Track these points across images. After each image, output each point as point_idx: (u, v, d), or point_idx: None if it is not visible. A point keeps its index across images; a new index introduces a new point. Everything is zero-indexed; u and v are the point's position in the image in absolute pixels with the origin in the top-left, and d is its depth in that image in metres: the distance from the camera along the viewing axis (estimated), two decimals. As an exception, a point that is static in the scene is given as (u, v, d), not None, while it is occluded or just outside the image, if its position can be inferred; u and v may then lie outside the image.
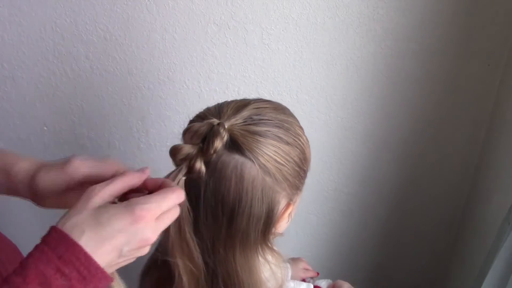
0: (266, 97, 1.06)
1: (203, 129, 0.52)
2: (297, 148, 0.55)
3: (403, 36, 1.01)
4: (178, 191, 0.47)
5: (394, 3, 0.97)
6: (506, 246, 0.85)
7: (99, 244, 0.41)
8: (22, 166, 0.52)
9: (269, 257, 0.58)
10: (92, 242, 0.41)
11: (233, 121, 0.53)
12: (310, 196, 1.23)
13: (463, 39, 1.01)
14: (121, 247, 0.42)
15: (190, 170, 0.52)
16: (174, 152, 0.52)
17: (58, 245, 0.40)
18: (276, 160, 0.53)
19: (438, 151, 1.17)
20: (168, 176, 0.52)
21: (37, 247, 0.41)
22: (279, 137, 0.54)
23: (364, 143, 1.15)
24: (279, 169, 0.53)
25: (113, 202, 0.46)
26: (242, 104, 0.56)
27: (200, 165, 0.51)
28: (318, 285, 0.83)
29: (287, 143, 0.54)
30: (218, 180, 0.52)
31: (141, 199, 0.44)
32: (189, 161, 0.52)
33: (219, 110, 0.55)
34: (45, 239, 0.41)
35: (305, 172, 0.58)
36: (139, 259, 0.62)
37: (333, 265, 1.37)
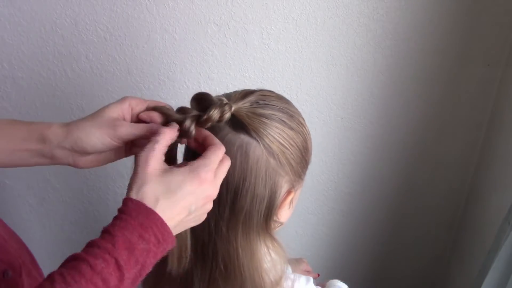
0: (266, 97, 1.07)
1: (209, 100, 0.54)
2: (300, 135, 0.57)
3: (403, 36, 1.01)
4: (222, 147, 0.51)
5: (394, 3, 0.97)
6: (506, 246, 0.85)
7: (172, 207, 0.46)
8: (55, 130, 0.53)
9: (270, 245, 0.59)
10: (166, 207, 0.46)
11: (240, 104, 0.55)
12: (310, 196, 1.24)
13: (463, 39, 1.01)
14: (189, 206, 0.48)
15: (181, 131, 0.52)
16: (176, 110, 0.55)
17: (138, 214, 0.45)
18: (280, 143, 0.54)
19: (438, 151, 1.17)
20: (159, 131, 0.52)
21: (119, 217, 0.45)
22: (283, 121, 0.55)
23: (364, 143, 1.16)
24: (283, 151, 0.55)
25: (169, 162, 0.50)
26: (248, 91, 0.58)
27: (190, 127, 0.52)
28: None
29: (291, 128, 0.55)
30: None
31: (201, 161, 0.48)
32: (182, 121, 0.53)
33: (228, 96, 0.58)
34: (124, 210, 0.45)
35: (306, 162, 0.59)
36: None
37: (333, 265, 1.37)
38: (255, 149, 0.53)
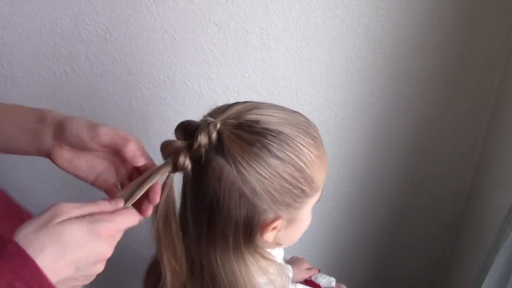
0: (266, 97, 1.07)
1: (193, 126, 0.52)
2: (290, 164, 0.52)
3: (403, 36, 1.01)
4: (135, 215, 0.50)
5: (394, 3, 0.97)
6: (506, 246, 0.85)
7: (58, 259, 0.41)
8: (54, 113, 0.54)
9: (264, 264, 0.57)
10: (51, 257, 0.41)
11: (229, 122, 0.52)
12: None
13: (463, 39, 1.01)
14: (78, 262, 0.43)
15: (175, 166, 0.51)
16: (162, 146, 0.53)
17: (13, 259, 0.39)
18: (258, 172, 0.51)
19: (438, 151, 1.17)
20: (152, 172, 0.52)
21: None
22: (268, 149, 0.51)
23: (364, 143, 1.15)
24: (261, 181, 0.51)
25: None
26: (249, 108, 0.54)
27: (184, 161, 0.51)
28: (318, 282, 0.83)
29: (277, 157, 0.51)
30: (200, 178, 0.52)
31: (105, 217, 0.45)
32: (173, 156, 0.51)
33: (224, 109, 0.55)
34: (0, 252, 0.40)
35: (303, 191, 0.55)
36: (144, 260, 0.63)
37: (333, 265, 1.37)
38: (229, 174, 0.50)
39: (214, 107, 0.58)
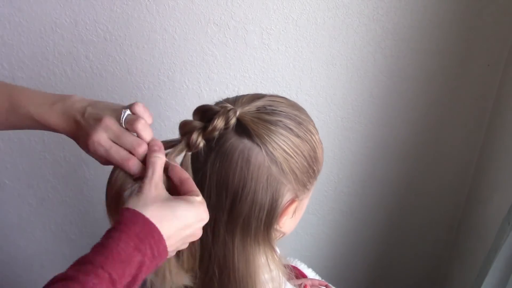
0: (266, 97, 1.07)
1: (213, 110, 0.54)
2: (308, 143, 0.55)
3: (403, 36, 1.01)
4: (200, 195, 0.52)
5: (394, 3, 0.97)
6: (506, 246, 0.85)
7: (172, 233, 0.46)
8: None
9: (270, 256, 0.58)
10: (168, 230, 0.46)
11: (246, 108, 0.54)
12: (310, 196, 1.23)
13: (463, 39, 1.01)
14: (185, 237, 0.49)
15: (188, 144, 0.53)
16: (181, 125, 0.55)
17: (134, 224, 0.44)
18: (284, 150, 0.53)
19: (438, 151, 1.17)
20: (166, 148, 0.53)
21: (115, 227, 0.44)
22: (290, 128, 0.54)
23: (364, 143, 1.16)
24: (287, 159, 0.53)
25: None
26: (257, 96, 0.57)
27: (197, 140, 0.53)
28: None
29: (298, 136, 0.54)
30: (225, 162, 0.53)
31: (202, 201, 0.50)
32: (189, 135, 0.53)
33: (235, 99, 0.57)
34: (120, 220, 0.44)
35: (314, 171, 0.58)
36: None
37: (333, 265, 1.37)
38: (257, 155, 0.52)
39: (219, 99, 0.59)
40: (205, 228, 0.54)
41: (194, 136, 0.52)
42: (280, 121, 0.54)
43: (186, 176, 0.52)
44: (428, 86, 1.07)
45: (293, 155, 0.54)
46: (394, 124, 1.13)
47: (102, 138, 0.51)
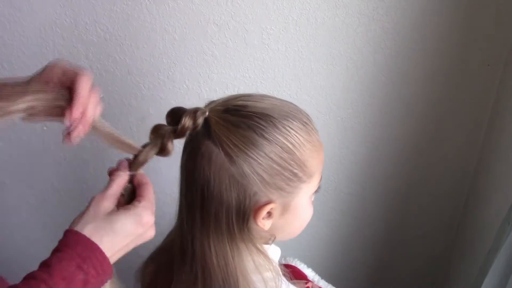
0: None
1: (181, 111, 0.54)
2: (277, 145, 0.53)
3: (403, 36, 1.01)
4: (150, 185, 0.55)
5: (394, 3, 0.97)
6: (506, 246, 0.85)
7: (114, 247, 0.48)
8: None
9: (255, 258, 0.57)
10: (108, 245, 0.48)
11: (216, 108, 0.55)
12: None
13: (463, 39, 1.01)
14: (128, 245, 0.51)
15: (162, 148, 0.55)
16: (152, 130, 0.56)
17: (77, 245, 0.46)
18: (244, 152, 0.52)
19: (438, 151, 1.17)
20: (139, 152, 0.55)
21: (58, 248, 0.46)
22: (253, 130, 0.52)
23: (364, 143, 1.15)
24: (248, 162, 0.52)
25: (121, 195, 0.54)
26: (238, 96, 0.57)
27: (166, 143, 0.54)
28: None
29: (263, 138, 0.52)
30: (192, 162, 0.54)
31: (145, 205, 0.52)
32: (161, 139, 0.54)
33: (215, 101, 0.57)
34: (63, 241, 0.47)
35: (295, 174, 0.55)
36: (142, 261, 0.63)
37: (333, 265, 1.37)
38: (217, 156, 0.52)
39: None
40: (184, 228, 0.56)
41: (164, 140, 0.54)
42: (244, 122, 0.52)
43: (144, 181, 0.54)
44: (428, 86, 1.07)
45: (256, 158, 0.52)
46: (394, 124, 1.13)
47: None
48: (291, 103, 0.59)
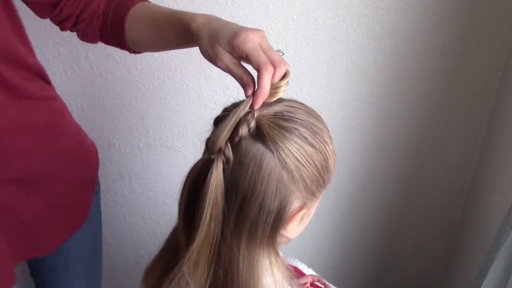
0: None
1: (234, 119, 0.53)
2: (321, 153, 0.55)
3: (403, 36, 1.01)
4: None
5: (394, 3, 0.97)
6: (506, 246, 0.85)
7: None
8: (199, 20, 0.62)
9: (274, 260, 0.58)
10: None
11: (264, 112, 0.54)
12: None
13: (463, 39, 1.01)
14: None
15: (227, 161, 0.53)
16: (212, 145, 0.54)
17: None
18: (297, 158, 0.53)
19: (438, 151, 1.17)
20: (205, 173, 0.53)
21: None
22: (304, 137, 0.54)
23: (364, 143, 1.16)
24: (298, 168, 0.53)
25: None
26: (276, 100, 0.57)
27: (230, 154, 0.53)
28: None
29: (312, 145, 0.54)
30: (237, 165, 0.53)
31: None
32: (223, 153, 0.53)
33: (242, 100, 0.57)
34: None
35: (324, 181, 0.57)
36: (143, 260, 0.63)
37: (333, 265, 1.37)
38: (269, 160, 0.52)
39: (221, 105, 0.59)
40: (212, 229, 0.54)
41: (229, 154, 0.53)
42: (296, 128, 0.54)
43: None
44: (428, 86, 1.07)
45: (305, 164, 0.54)
46: (394, 124, 1.13)
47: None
48: (314, 110, 0.61)
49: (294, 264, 0.89)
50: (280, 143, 0.52)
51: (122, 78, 1.03)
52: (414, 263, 1.37)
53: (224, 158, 0.53)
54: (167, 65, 1.02)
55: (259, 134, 0.53)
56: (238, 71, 0.58)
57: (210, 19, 0.61)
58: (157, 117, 1.08)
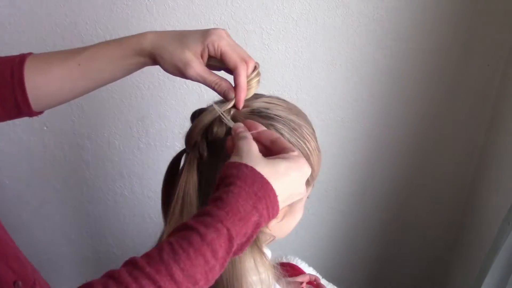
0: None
1: (208, 118, 0.54)
2: (300, 150, 0.54)
3: (403, 36, 1.01)
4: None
5: (394, 3, 0.97)
6: (506, 246, 0.85)
7: (280, 191, 0.44)
8: (149, 37, 0.59)
9: (258, 258, 0.57)
10: (276, 189, 0.43)
11: (243, 109, 0.55)
12: (310, 196, 1.23)
13: (463, 39, 1.01)
14: (289, 196, 0.46)
15: (201, 156, 0.54)
16: (187, 140, 0.55)
17: (254, 182, 0.42)
18: None
19: (438, 151, 1.17)
20: (182, 169, 0.55)
21: (233, 182, 0.42)
22: (281, 133, 0.53)
23: (364, 143, 1.15)
24: None
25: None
26: (255, 96, 0.57)
27: (205, 151, 0.53)
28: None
29: (289, 142, 0.53)
30: (214, 159, 0.54)
31: (298, 153, 0.48)
32: (198, 149, 0.54)
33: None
34: (239, 175, 0.42)
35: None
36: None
37: (333, 265, 1.37)
38: None
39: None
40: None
41: (204, 151, 0.53)
42: (272, 125, 0.53)
43: (276, 136, 0.50)
44: (428, 86, 1.07)
45: None
46: (394, 124, 1.13)
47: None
48: (298, 107, 0.60)
49: (294, 263, 0.89)
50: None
51: (122, 78, 1.03)
52: (414, 263, 1.37)
53: (198, 154, 0.53)
54: (167, 65, 1.02)
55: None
56: (213, 77, 0.56)
57: (159, 32, 0.58)
58: (157, 117, 1.08)
